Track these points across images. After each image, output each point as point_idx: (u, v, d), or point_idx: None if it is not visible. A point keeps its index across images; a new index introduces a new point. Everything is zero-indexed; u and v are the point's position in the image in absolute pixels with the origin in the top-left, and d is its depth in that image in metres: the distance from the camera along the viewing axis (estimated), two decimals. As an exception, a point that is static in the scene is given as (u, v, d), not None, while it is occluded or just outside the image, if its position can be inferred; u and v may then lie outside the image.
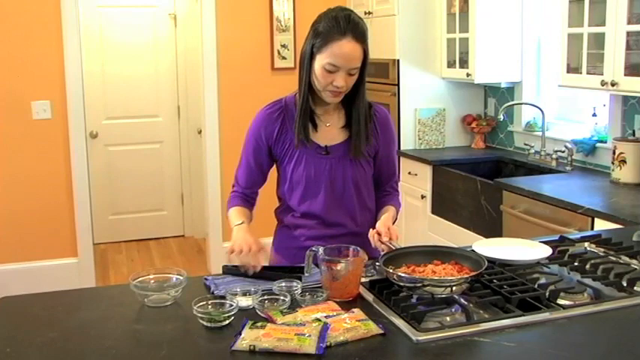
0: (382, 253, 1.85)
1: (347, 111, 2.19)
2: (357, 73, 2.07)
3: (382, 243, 2.01)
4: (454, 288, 1.64)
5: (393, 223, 2.12)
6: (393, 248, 1.95)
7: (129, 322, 1.65)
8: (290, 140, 2.17)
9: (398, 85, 4.68)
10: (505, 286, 1.74)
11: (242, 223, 2.11)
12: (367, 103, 2.20)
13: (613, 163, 3.47)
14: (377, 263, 1.89)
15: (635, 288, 1.79)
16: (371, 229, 2.07)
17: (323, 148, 2.17)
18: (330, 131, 2.19)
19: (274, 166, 2.28)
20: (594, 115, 3.93)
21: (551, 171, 3.95)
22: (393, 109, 4.68)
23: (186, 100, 6.03)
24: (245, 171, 2.26)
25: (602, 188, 3.43)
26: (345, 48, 2.01)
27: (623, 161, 3.40)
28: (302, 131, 2.13)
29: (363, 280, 1.82)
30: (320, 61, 2.04)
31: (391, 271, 1.72)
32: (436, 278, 1.67)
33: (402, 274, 1.69)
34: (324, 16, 2.08)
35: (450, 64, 4.61)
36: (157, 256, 5.77)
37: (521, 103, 4.42)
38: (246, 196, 2.27)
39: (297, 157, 2.16)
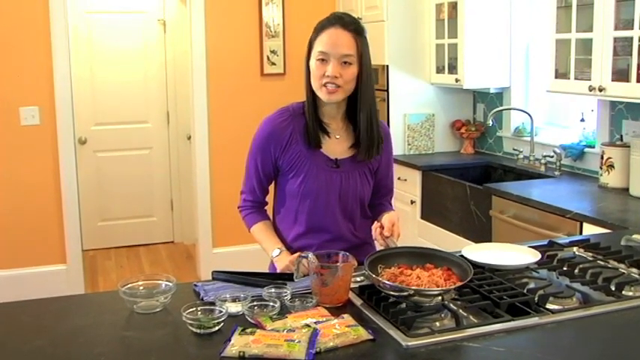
0: (367, 256, 1.84)
1: (357, 127, 2.18)
2: (352, 66, 2.06)
3: (382, 238, 2.03)
4: (445, 296, 1.64)
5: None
6: (391, 246, 1.97)
7: (118, 328, 1.64)
8: (299, 151, 2.15)
9: (387, 90, 4.69)
10: (494, 291, 1.75)
11: (280, 253, 2.15)
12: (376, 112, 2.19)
13: (601, 167, 3.49)
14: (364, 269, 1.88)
15: (623, 292, 1.79)
16: (375, 222, 2.10)
17: (333, 160, 2.17)
18: (340, 144, 2.19)
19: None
20: (582, 120, 3.96)
21: (539, 176, 3.96)
22: (382, 115, 4.68)
23: (175, 105, 6.02)
24: (257, 181, 2.24)
25: (591, 193, 3.44)
26: (333, 34, 2.06)
27: (611, 166, 3.42)
28: (315, 135, 2.13)
29: (352, 285, 1.82)
30: (314, 55, 2.08)
31: (375, 276, 1.71)
32: (421, 289, 1.66)
33: (386, 282, 1.68)
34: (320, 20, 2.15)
35: (439, 70, 4.63)
36: (146, 262, 5.75)
37: (509, 109, 4.44)
38: (261, 206, 2.28)
39: (308, 169, 2.15)
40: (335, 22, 2.08)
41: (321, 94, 2.09)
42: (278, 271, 2.11)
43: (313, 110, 2.15)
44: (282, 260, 2.12)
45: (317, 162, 2.15)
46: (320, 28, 2.09)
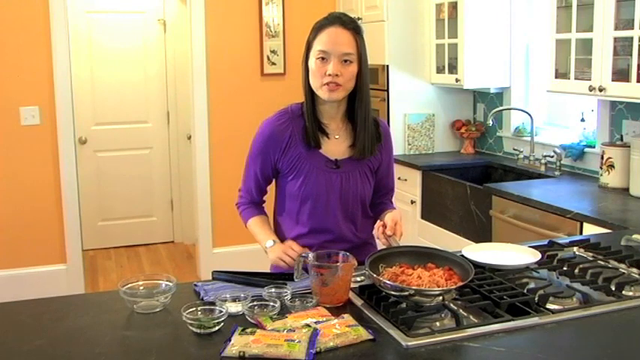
0: (368, 255, 1.84)
1: (352, 125, 2.19)
2: (352, 64, 2.07)
3: (384, 237, 2.03)
4: (445, 296, 1.64)
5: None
6: (393, 245, 1.97)
7: (118, 328, 1.64)
8: (298, 153, 2.15)
9: (387, 90, 4.69)
10: (494, 291, 1.75)
11: (274, 244, 2.16)
12: (373, 115, 2.20)
13: (601, 168, 3.49)
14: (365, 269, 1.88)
15: (623, 292, 1.80)
16: (378, 221, 2.12)
17: (333, 161, 2.17)
18: (339, 144, 2.19)
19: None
20: (582, 120, 3.95)
21: (540, 176, 3.96)
22: (382, 115, 4.68)
23: (175, 105, 6.02)
24: (254, 183, 2.25)
25: (591, 193, 3.44)
26: (332, 33, 2.07)
27: (611, 166, 3.42)
28: (314, 135, 2.13)
29: (352, 285, 1.82)
30: (313, 54, 2.09)
31: (376, 276, 1.71)
32: (422, 289, 1.66)
33: (387, 281, 1.68)
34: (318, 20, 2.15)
35: (439, 70, 4.63)
36: (146, 262, 5.75)
37: (510, 109, 4.44)
38: (257, 204, 2.30)
39: (308, 170, 2.14)
40: (334, 21, 2.08)
41: (322, 92, 2.09)
42: (270, 261, 2.12)
43: (312, 111, 2.14)
44: (275, 251, 2.12)
45: (317, 163, 2.15)
46: (319, 28, 2.10)
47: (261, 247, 2.22)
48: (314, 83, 2.09)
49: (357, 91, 2.13)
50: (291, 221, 2.22)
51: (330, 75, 2.04)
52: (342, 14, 2.14)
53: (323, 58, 2.06)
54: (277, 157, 2.17)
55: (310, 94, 2.13)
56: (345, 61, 2.06)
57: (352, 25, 2.09)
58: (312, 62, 2.08)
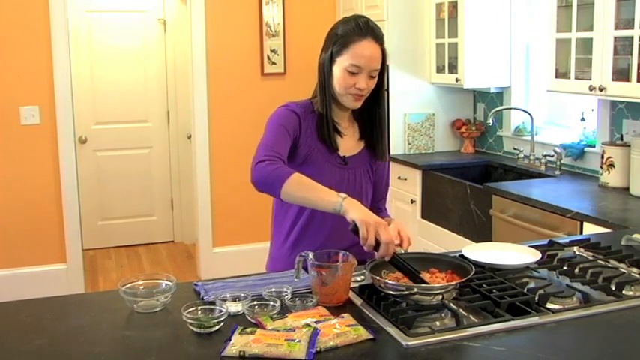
0: (369, 261, 1.84)
1: (361, 123, 2.22)
2: (377, 76, 2.10)
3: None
4: (445, 295, 1.64)
5: None
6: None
7: (118, 328, 1.64)
8: (310, 145, 2.14)
9: (387, 90, 4.67)
10: (494, 291, 1.75)
11: (346, 197, 1.86)
12: None
13: (601, 167, 3.49)
14: (364, 270, 1.87)
15: (623, 292, 1.79)
16: None
17: (341, 158, 2.18)
18: (347, 142, 2.20)
19: None
20: (583, 119, 3.95)
21: (540, 175, 3.96)
22: (382, 114, 4.68)
23: (175, 105, 6.02)
24: (283, 139, 2.04)
25: (591, 192, 3.44)
26: (367, 48, 2.06)
27: (612, 165, 3.42)
28: (331, 139, 2.13)
29: (352, 285, 1.82)
30: (341, 64, 2.07)
31: (378, 278, 1.72)
32: (423, 285, 1.67)
33: (388, 281, 1.69)
34: (342, 22, 2.13)
35: (439, 69, 4.63)
36: (146, 261, 5.75)
37: (510, 108, 4.44)
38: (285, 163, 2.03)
39: (318, 164, 2.13)
40: (366, 33, 2.06)
41: (346, 100, 2.11)
42: (357, 219, 1.80)
43: (329, 114, 2.13)
44: (360, 210, 1.82)
45: (328, 158, 2.16)
46: (350, 37, 2.06)
47: (321, 203, 1.89)
48: (338, 89, 2.09)
49: (377, 94, 2.15)
50: (292, 218, 2.22)
51: (359, 88, 2.06)
52: (369, 20, 2.11)
53: (353, 72, 2.06)
54: (297, 135, 2.10)
55: (328, 94, 2.12)
56: (373, 76, 2.08)
57: (382, 40, 2.10)
58: (339, 71, 2.07)
